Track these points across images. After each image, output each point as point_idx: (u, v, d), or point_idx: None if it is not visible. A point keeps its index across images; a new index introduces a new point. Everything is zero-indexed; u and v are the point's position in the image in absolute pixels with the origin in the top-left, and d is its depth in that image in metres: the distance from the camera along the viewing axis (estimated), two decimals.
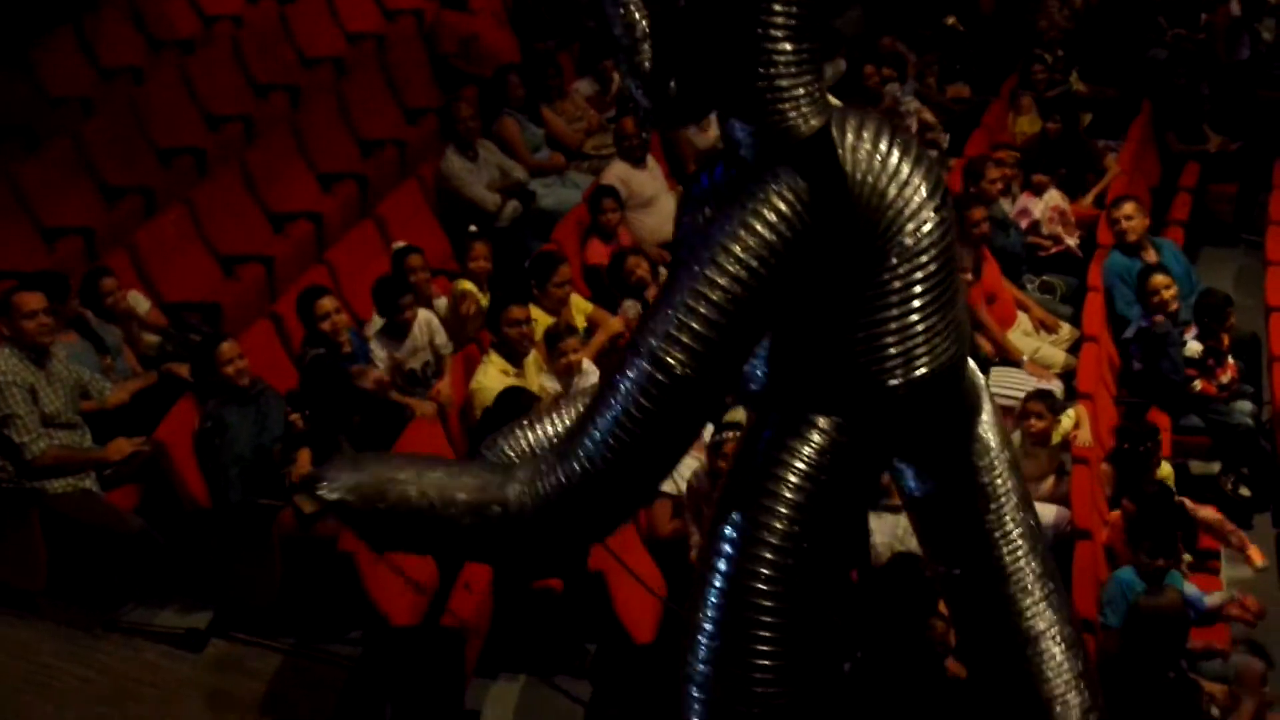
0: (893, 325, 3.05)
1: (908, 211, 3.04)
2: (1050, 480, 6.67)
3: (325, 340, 6.59)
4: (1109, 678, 5.04)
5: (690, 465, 6.06)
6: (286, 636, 5.98)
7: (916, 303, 3.05)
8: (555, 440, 3.25)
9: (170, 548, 6.15)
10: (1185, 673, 5.17)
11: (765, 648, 3.04)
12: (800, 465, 3.08)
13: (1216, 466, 7.37)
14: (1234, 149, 10.23)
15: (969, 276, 7.68)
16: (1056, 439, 6.63)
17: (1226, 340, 7.36)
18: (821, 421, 3.09)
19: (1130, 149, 9.87)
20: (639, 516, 6.14)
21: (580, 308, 7.47)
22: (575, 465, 2.95)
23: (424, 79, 10.39)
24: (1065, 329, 8.12)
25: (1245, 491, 7.27)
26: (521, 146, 9.10)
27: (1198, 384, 7.21)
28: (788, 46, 2.93)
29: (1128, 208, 8.07)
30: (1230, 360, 7.36)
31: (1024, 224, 8.91)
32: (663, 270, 7.63)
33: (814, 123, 2.98)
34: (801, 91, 2.96)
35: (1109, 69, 11.25)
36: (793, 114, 2.96)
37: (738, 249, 2.90)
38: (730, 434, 5.89)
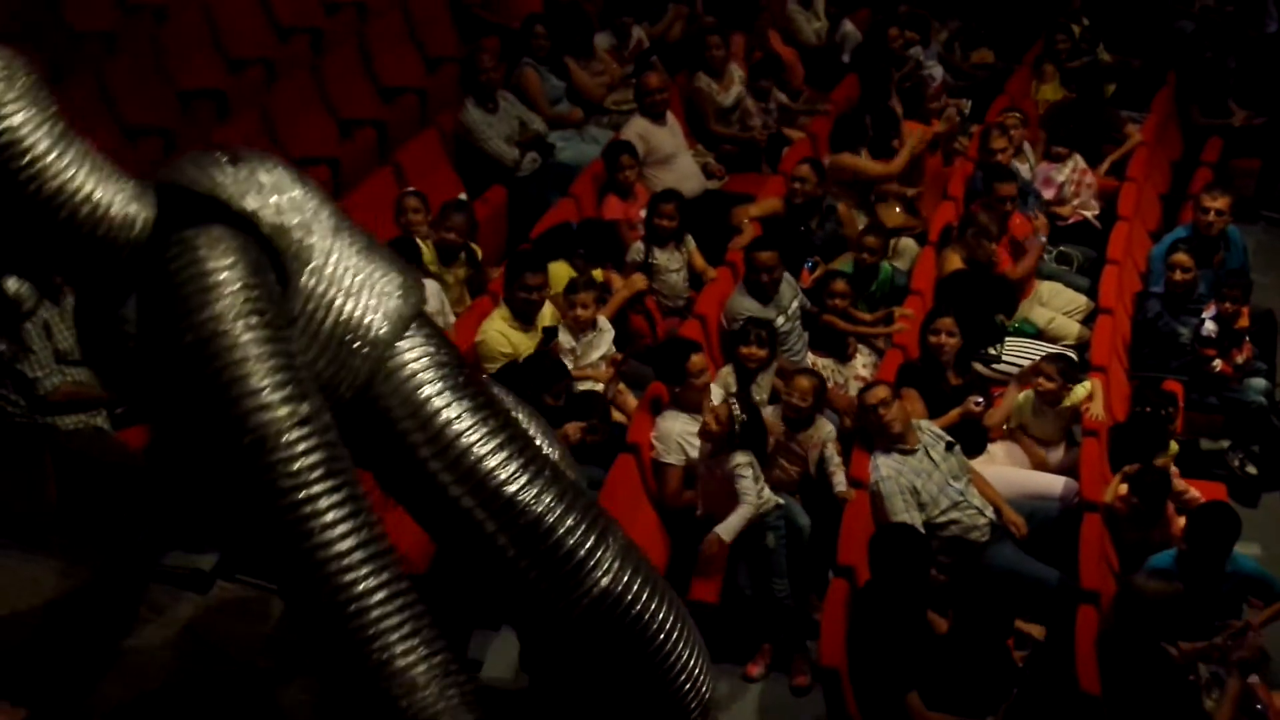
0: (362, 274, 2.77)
1: (275, 183, 2.73)
2: (1061, 449, 6.68)
3: None
4: (1104, 652, 5.09)
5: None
6: None
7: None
8: None
9: (178, 487, 6.18)
10: (1186, 656, 5.17)
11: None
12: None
13: (1226, 444, 7.38)
14: (1258, 124, 10.15)
15: (993, 247, 7.69)
16: (1067, 403, 6.63)
17: (1246, 321, 7.35)
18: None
19: (1153, 121, 9.81)
20: (650, 482, 6.16)
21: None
22: None
23: (446, 27, 10.35)
24: (1082, 301, 8.11)
25: (1252, 469, 7.27)
26: (541, 98, 9.07)
27: (1217, 364, 7.20)
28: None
29: (1222, 201, 7.92)
30: (1246, 340, 7.35)
31: (1048, 194, 8.87)
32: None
33: (138, 207, 2.63)
34: (102, 193, 2.58)
35: (1135, 39, 11.17)
36: (119, 221, 2.60)
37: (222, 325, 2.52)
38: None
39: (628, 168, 8.08)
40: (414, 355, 2.82)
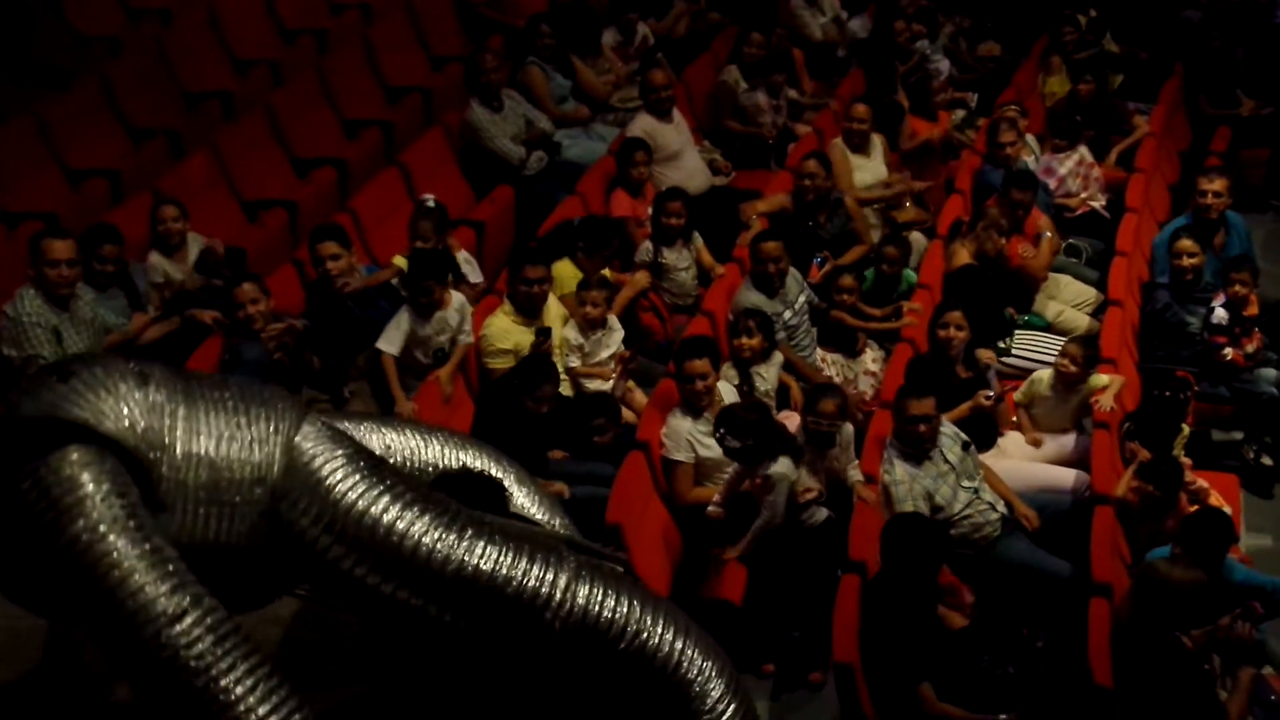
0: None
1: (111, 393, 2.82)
2: (1071, 439, 6.65)
3: (325, 281, 6.68)
4: (1119, 644, 5.07)
5: (711, 431, 6.08)
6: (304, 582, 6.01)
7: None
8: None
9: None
10: (1203, 645, 5.14)
11: None
12: None
13: (1239, 435, 7.35)
14: (1266, 114, 10.12)
15: (1002, 242, 7.66)
16: (1087, 388, 6.61)
17: (1255, 309, 7.33)
18: None
19: (1161, 111, 9.79)
20: (660, 479, 6.16)
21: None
22: None
23: (451, 26, 10.35)
24: (1091, 293, 8.08)
25: (1267, 460, 7.25)
26: (546, 97, 9.06)
27: (1228, 352, 7.18)
28: None
29: (1220, 184, 7.94)
30: (1256, 329, 7.32)
31: (1050, 184, 8.86)
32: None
33: None
34: None
35: (1142, 30, 11.14)
36: None
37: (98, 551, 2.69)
38: None
39: (641, 164, 8.06)
40: (310, 470, 2.94)
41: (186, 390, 2.90)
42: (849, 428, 6.26)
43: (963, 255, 7.70)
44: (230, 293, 6.35)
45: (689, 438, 6.12)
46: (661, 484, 6.17)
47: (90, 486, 2.72)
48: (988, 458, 6.39)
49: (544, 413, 6.13)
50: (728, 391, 6.44)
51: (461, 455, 3.47)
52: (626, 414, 6.58)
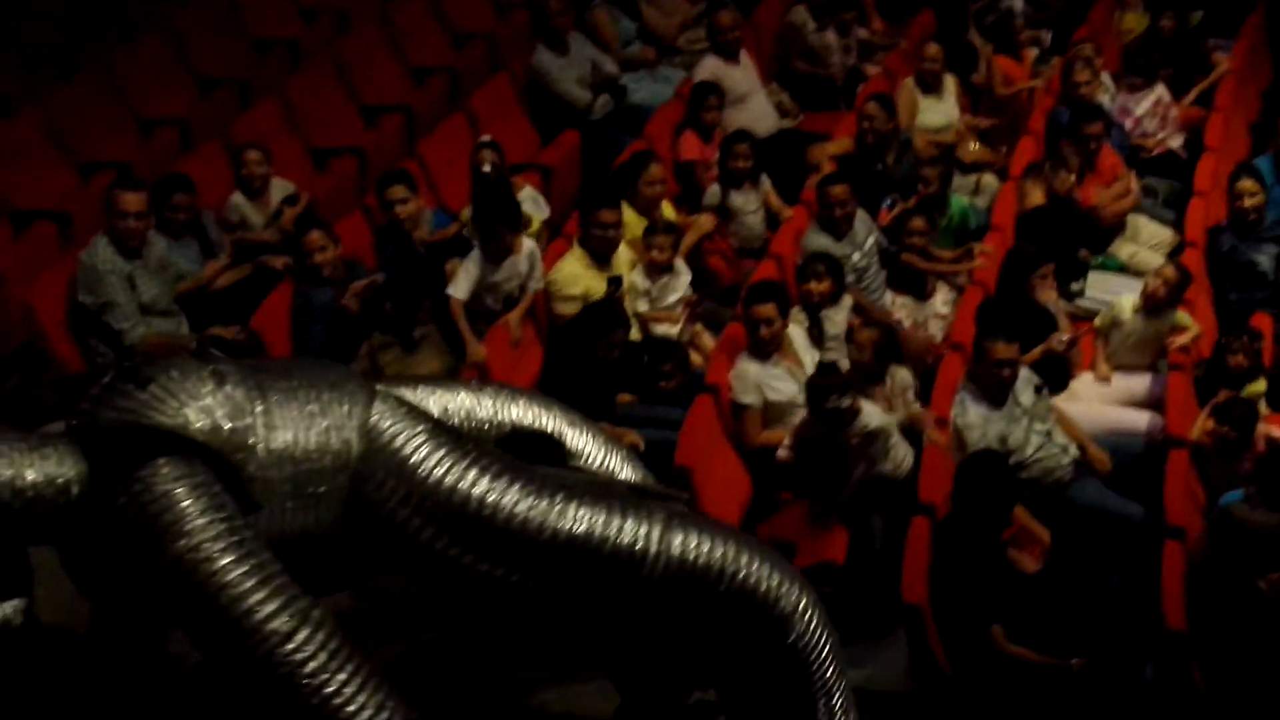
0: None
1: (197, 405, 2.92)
2: (1146, 380, 6.56)
3: (395, 226, 6.71)
4: (1193, 585, 5.02)
5: (779, 375, 6.04)
6: None
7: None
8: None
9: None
10: (1274, 585, 5.07)
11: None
12: None
13: None
14: None
15: (1072, 179, 7.55)
16: (1174, 321, 6.52)
17: None
18: None
19: (1242, 48, 9.55)
20: (729, 423, 6.14)
21: (664, 210, 7.42)
22: None
23: None
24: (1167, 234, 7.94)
25: None
26: (613, 40, 9.01)
27: None
28: None
29: None
30: None
31: (1126, 124, 8.70)
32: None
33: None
34: (29, 474, 2.84)
35: None
36: (51, 494, 2.84)
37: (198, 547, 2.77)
38: None
39: (713, 108, 7.99)
40: (391, 450, 2.99)
41: (259, 384, 2.92)
42: (905, 372, 6.19)
43: (1035, 195, 7.59)
44: (298, 237, 6.42)
45: (757, 381, 6.10)
46: (730, 427, 6.16)
47: (188, 503, 2.74)
48: (1059, 400, 6.33)
49: (614, 358, 6.13)
50: (797, 335, 6.41)
51: (513, 408, 3.48)
52: (694, 358, 6.57)
